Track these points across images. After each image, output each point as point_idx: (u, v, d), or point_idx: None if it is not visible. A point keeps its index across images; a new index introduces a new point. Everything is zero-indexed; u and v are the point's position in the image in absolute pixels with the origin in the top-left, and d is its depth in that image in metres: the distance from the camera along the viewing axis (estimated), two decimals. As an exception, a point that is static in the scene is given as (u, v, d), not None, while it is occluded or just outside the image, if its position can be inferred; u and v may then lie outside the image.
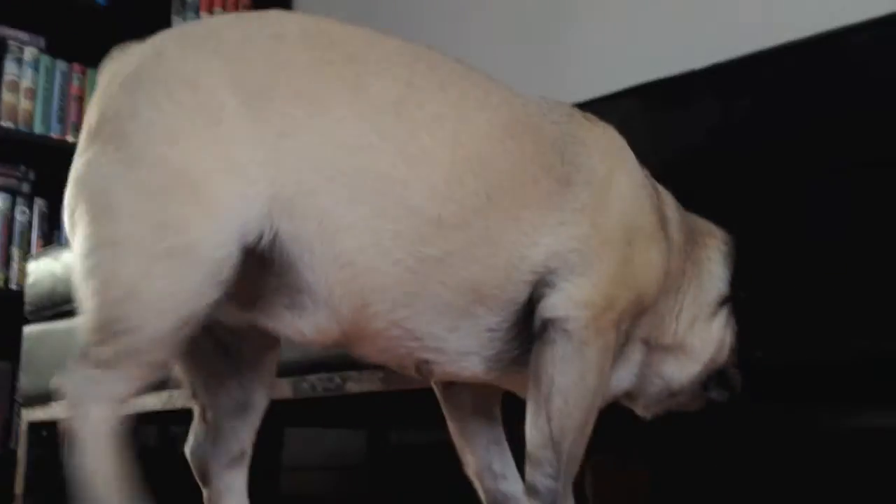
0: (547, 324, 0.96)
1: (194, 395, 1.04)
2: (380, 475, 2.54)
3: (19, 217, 2.82)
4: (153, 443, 2.65)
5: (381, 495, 2.51)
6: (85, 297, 0.88)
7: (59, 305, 2.02)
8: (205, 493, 1.03)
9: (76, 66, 2.93)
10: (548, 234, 0.96)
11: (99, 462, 0.86)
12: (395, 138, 0.91)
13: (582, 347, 0.95)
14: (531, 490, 0.97)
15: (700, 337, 1.09)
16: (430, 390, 1.14)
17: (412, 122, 0.92)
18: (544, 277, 0.96)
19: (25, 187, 2.86)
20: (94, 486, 0.85)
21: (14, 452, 2.30)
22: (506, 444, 1.12)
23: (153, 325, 0.86)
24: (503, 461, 1.11)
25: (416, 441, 2.42)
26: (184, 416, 1.14)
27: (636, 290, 1.00)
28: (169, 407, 1.73)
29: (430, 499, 2.19)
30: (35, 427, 2.13)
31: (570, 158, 0.99)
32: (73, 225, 0.91)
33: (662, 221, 1.05)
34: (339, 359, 1.46)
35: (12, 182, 2.84)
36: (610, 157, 1.02)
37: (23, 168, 2.85)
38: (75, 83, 2.91)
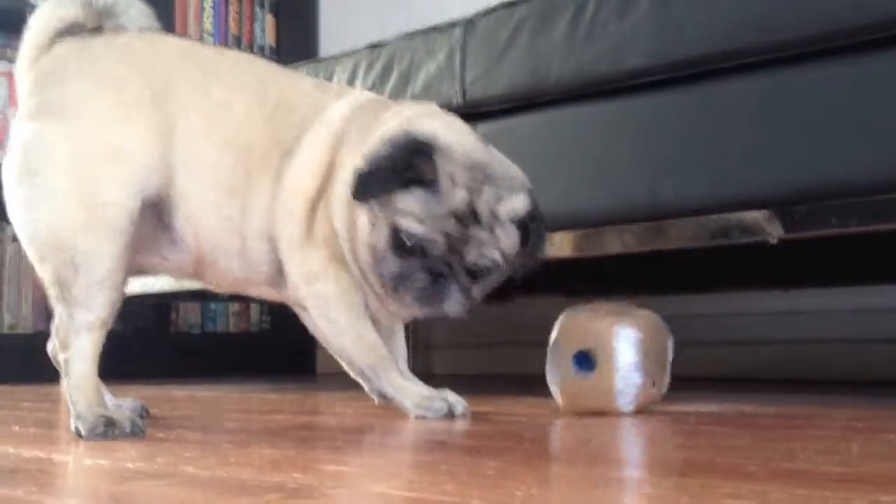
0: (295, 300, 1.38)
1: None
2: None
3: None
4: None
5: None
6: (38, 255, 1.17)
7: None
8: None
9: None
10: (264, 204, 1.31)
11: (85, 379, 1.14)
12: (203, 130, 1.28)
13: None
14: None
15: None
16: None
17: (210, 114, 1.29)
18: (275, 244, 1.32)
19: None
20: (81, 397, 1.13)
21: None
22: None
23: (100, 262, 1.16)
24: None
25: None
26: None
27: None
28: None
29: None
30: None
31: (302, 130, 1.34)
32: (18, 183, 1.19)
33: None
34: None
35: None
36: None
37: None
38: None
